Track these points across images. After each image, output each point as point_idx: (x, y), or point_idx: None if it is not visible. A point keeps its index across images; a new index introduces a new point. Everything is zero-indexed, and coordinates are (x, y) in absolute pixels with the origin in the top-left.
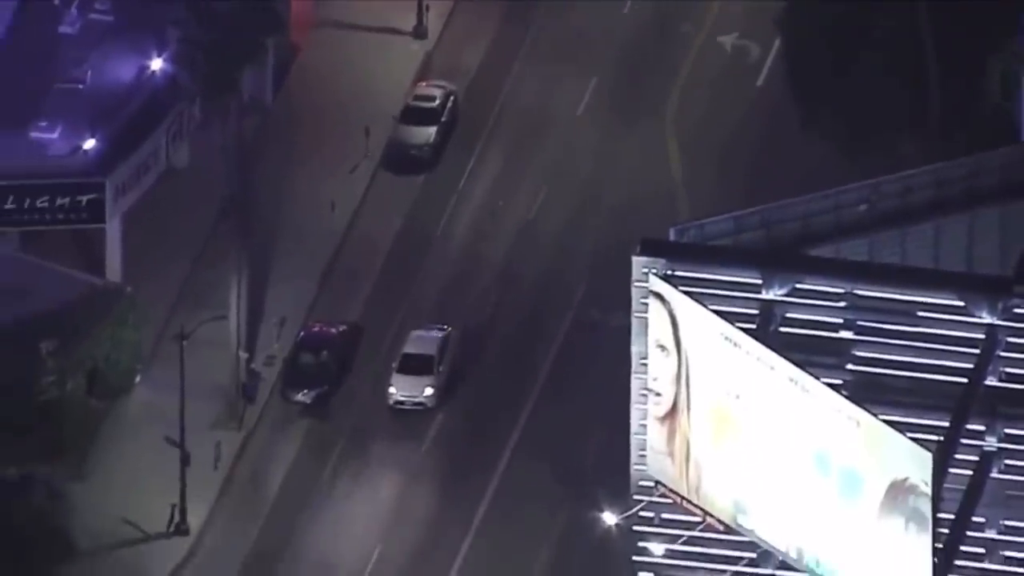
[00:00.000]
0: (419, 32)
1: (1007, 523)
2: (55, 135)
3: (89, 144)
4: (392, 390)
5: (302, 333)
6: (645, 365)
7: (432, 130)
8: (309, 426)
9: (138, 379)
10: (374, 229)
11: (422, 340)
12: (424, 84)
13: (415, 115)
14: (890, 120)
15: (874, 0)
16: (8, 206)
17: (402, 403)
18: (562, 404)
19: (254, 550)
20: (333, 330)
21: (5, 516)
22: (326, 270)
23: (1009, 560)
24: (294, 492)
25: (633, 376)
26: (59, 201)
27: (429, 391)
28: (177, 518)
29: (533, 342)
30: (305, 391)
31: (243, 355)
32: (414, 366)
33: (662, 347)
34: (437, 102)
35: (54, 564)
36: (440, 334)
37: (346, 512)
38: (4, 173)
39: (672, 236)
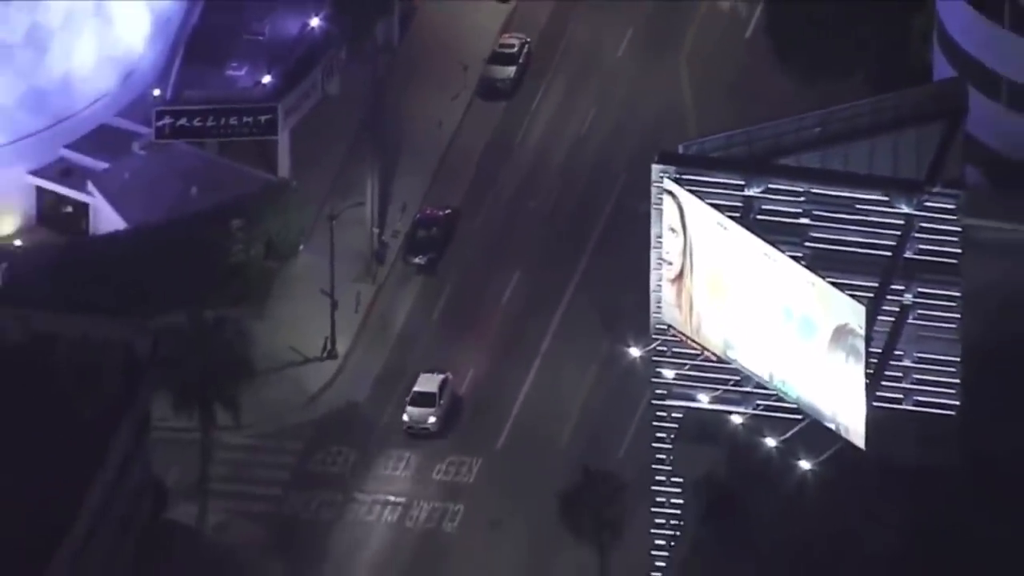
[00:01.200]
0: None
1: (919, 355)
2: (243, 72)
3: (266, 79)
4: (405, 418)
5: (418, 215)
6: (660, 242)
7: (512, 69)
8: (423, 281)
9: (301, 248)
10: (470, 141)
11: (427, 380)
12: (507, 35)
13: (500, 58)
14: (843, 60)
15: None
16: (210, 123)
17: (412, 427)
18: (605, 265)
19: (384, 369)
20: (440, 212)
21: (204, 347)
22: (436, 169)
23: (919, 381)
24: (412, 328)
25: (652, 249)
26: (245, 119)
27: (432, 419)
28: (329, 347)
29: (586, 218)
30: (420, 256)
31: (375, 230)
32: (421, 401)
33: (672, 229)
34: (515, 48)
35: (241, 382)
36: (440, 376)
37: (448, 345)
38: (206, 99)
39: (680, 149)
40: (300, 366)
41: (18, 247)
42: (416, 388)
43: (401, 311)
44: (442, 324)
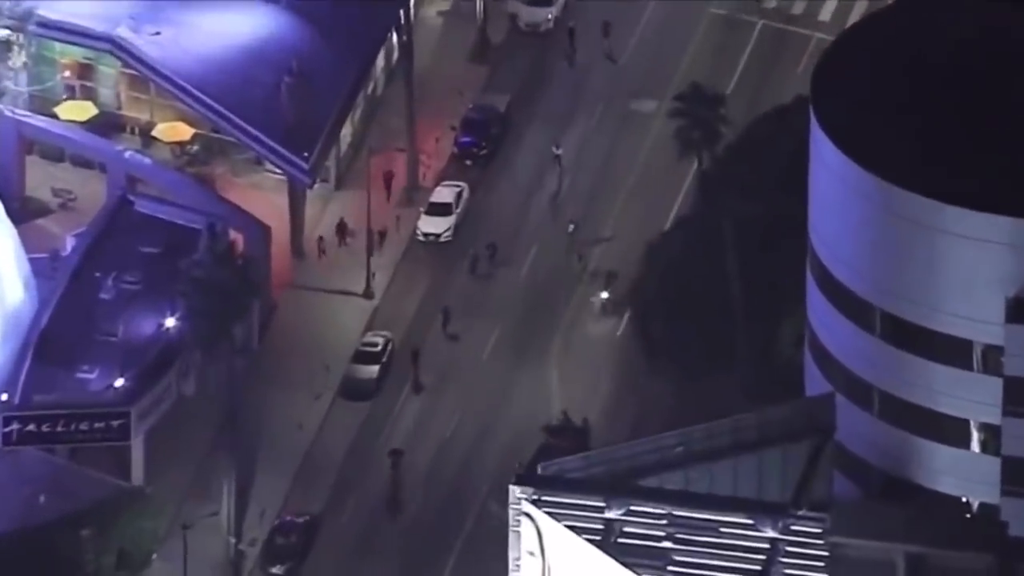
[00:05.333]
0: (368, 293)
1: None
2: (94, 375)
3: (119, 382)
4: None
5: (277, 521)
6: (519, 565)
7: (375, 368)
8: None
9: (155, 557)
10: (332, 444)
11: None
12: (371, 334)
13: (363, 357)
14: (713, 364)
15: (701, 274)
16: (60, 429)
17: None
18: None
19: None
20: (300, 519)
21: None
22: (296, 473)
23: None
24: None
25: (510, 574)
26: (96, 424)
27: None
28: None
29: (449, 528)
30: (279, 565)
31: (232, 539)
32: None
33: (531, 553)
34: (379, 347)
35: None
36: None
37: None
38: (56, 404)
39: (539, 471)
40: None
41: None
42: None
43: None
44: None
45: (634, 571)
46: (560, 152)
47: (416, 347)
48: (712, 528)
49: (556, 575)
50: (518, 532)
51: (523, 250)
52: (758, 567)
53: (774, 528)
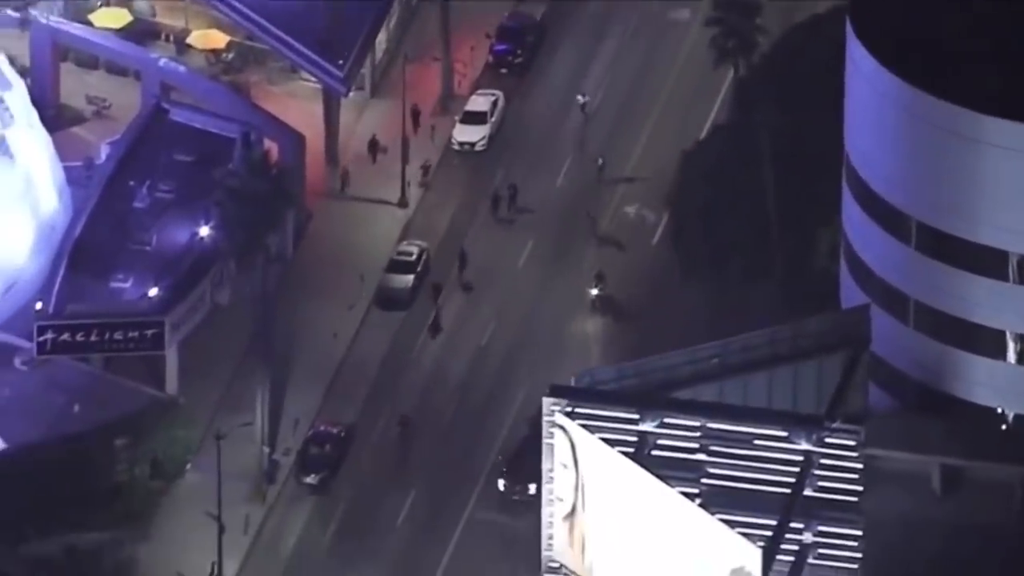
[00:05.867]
0: (402, 203)
1: None
2: (128, 285)
3: (153, 292)
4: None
5: (310, 431)
6: (552, 477)
7: (410, 278)
8: (316, 501)
9: (188, 467)
10: (366, 354)
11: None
12: (405, 243)
13: (398, 266)
14: (748, 275)
15: (737, 184)
16: (94, 338)
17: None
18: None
19: None
20: (334, 429)
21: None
22: (330, 383)
23: None
24: (303, 551)
25: (544, 485)
26: (130, 334)
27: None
28: (216, 571)
29: (484, 436)
30: (313, 475)
31: (266, 448)
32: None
33: (564, 465)
34: (414, 256)
35: None
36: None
37: (341, 568)
38: (90, 314)
39: (573, 383)
40: None
41: None
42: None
43: (292, 533)
44: (335, 546)
45: (667, 483)
46: (586, 100)
47: (464, 251)
48: (746, 440)
49: (589, 487)
50: (551, 444)
51: (559, 159)
52: (792, 480)
53: (809, 441)
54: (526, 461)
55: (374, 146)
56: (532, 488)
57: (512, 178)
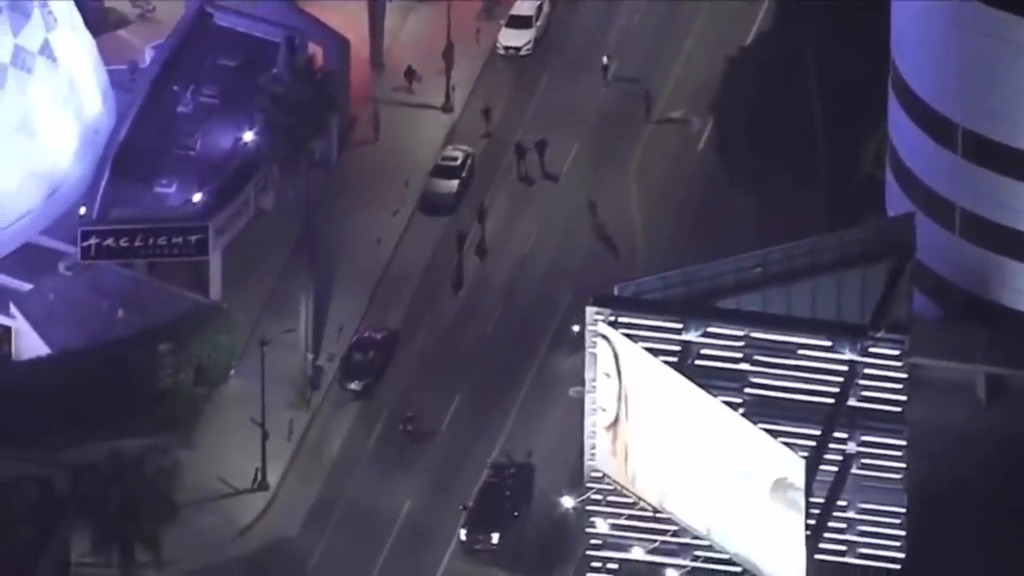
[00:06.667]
0: (447, 107)
1: (862, 505)
2: (172, 190)
3: (197, 197)
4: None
5: (354, 337)
6: (595, 387)
7: (455, 183)
8: (359, 407)
9: (232, 373)
10: (410, 259)
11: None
12: (450, 147)
13: (442, 171)
14: (794, 181)
15: (782, 90)
16: (137, 244)
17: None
18: (548, 390)
19: (317, 501)
20: (377, 335)
21: (124, 482)
22: (374, 289)
23: (863, 533)
24: (347, 457)
25: (586, 395)
26: (174, 240)
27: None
28: (260, 477)
29: (528, 342)
30: (357, 381)
31: (309, 354)
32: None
33: (607, 374)
34: (459, 161)
35: (163, 517)
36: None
37: (384, 475)
38: (134, 218)
39: (616, 292)
40: (229, 498)
41: None
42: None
43: (336, 439)
44: (379, 452)
45: (711, 393)
46: (610, 62)
47: (521, 144)
48: (790, 350)
49: (632, 396)
50: (594, 353)
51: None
52: (836, 389)
53: (853, 350)
54: (488, 511)
55: (411, 74)
56: (495, 538)
57: (555, 83)
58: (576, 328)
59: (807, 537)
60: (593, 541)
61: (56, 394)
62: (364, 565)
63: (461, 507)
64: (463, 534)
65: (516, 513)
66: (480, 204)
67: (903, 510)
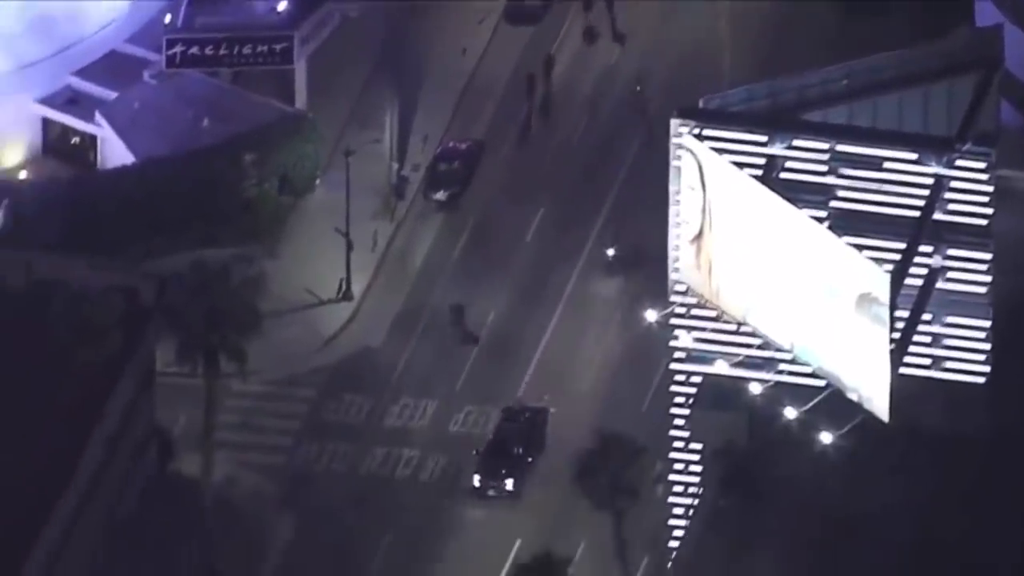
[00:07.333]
0: None
1: (947, 319)
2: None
3: (282, 5)
4: None
5: (439, 147)
6: (679, 200)
7: None
8: (444, 217)
9: (317, 182)
10: (495, 69)
11: None
12: None
13: None
14: None
15: None
16: (223, 52)
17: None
18: (633, 202)
19: (401, 312)
20: (463, 145)
21: (209, 291)
22: (459, 99)
23: (948, 347)
24: (431, 268)
25: (671, 208)
26: (259, 48)
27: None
28: (344, 288)
29: (613, 153)
30: (441, 191)
31: (395, 164)
32: None
33: (691, 187)
34: None
35: (248, 327)
36: None
37: (468, 285)
38: (219, 27)
39: (701, 104)
40: (313, 308)
41: (23, 180)
42: None
43: (420, 249)
44: (463, 263)
45: (795, 206)
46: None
47: None
48: (875, 163)
49: (716, 210)
50: (678, 167)
51: None
52: (921, 202)
53: (939, 162)
54: (501, 457)
55: None
56: (509, 484)
57: None
58: (610, 252)
59: (891, 351)
60: (676, 355)
61: (141, 203)
62: (448, 375)
63: (474, 452)
64: (476, 480)
65: (530, 459)
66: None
67: (988, 324)
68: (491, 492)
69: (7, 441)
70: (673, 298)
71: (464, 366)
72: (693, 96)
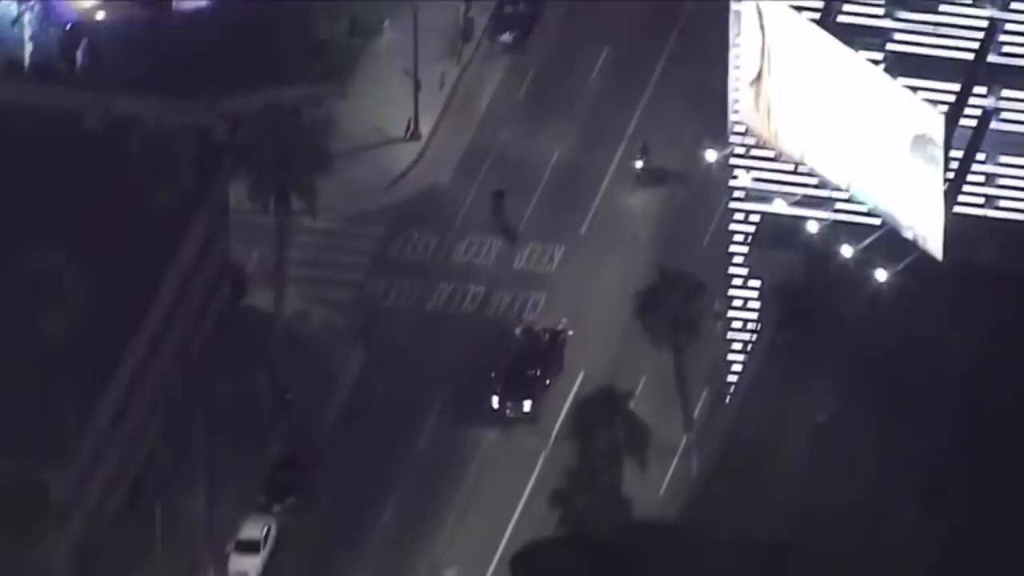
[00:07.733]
0: None
1: (1001, 159)
2: None
3: None
4: None
5: None
6: (739, 43)
7: None
8: (510, 59)
9: (386, 24)
10: None
11: None
12: None
13: None
14: None
15: None
16: None
17: None
18: (697, 43)
19: (467, 152)
20: None
21: (281, 131)
22: None
23: (1001, 186)
24: (497, 109)
25: (731, 50)
26: None
27: None
28: (412, 127)
29: None
30: (507, 33)
31: (462, 6)
32: None
33: (751, 30)
34: None
35: (319, 166)
36: None
37: (533, 126)
38: None
39: None
40: (382, 147)
41: (100, 20)
42: None
43: (486, 91)
44: (528, 104)
45: (852, 49)
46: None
47: None
48: (931, 6)
49: (775, 53)
50: (738, 10)
51: None
52: (976, 45)
53: (994, 5)
54: (520, 378)
55: None
56: (527, 405)
57: None
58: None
59: (945, 191)
60: (736, 194)
61: (215, 44)
62: (514, 212)
63: (492, 374)
64: (495, 401)
65: (548, 381)
66: None
67: None
68: (508, 413)
69: (88, 273)
70: (733, 139)
71: (528, 205)
72: None
